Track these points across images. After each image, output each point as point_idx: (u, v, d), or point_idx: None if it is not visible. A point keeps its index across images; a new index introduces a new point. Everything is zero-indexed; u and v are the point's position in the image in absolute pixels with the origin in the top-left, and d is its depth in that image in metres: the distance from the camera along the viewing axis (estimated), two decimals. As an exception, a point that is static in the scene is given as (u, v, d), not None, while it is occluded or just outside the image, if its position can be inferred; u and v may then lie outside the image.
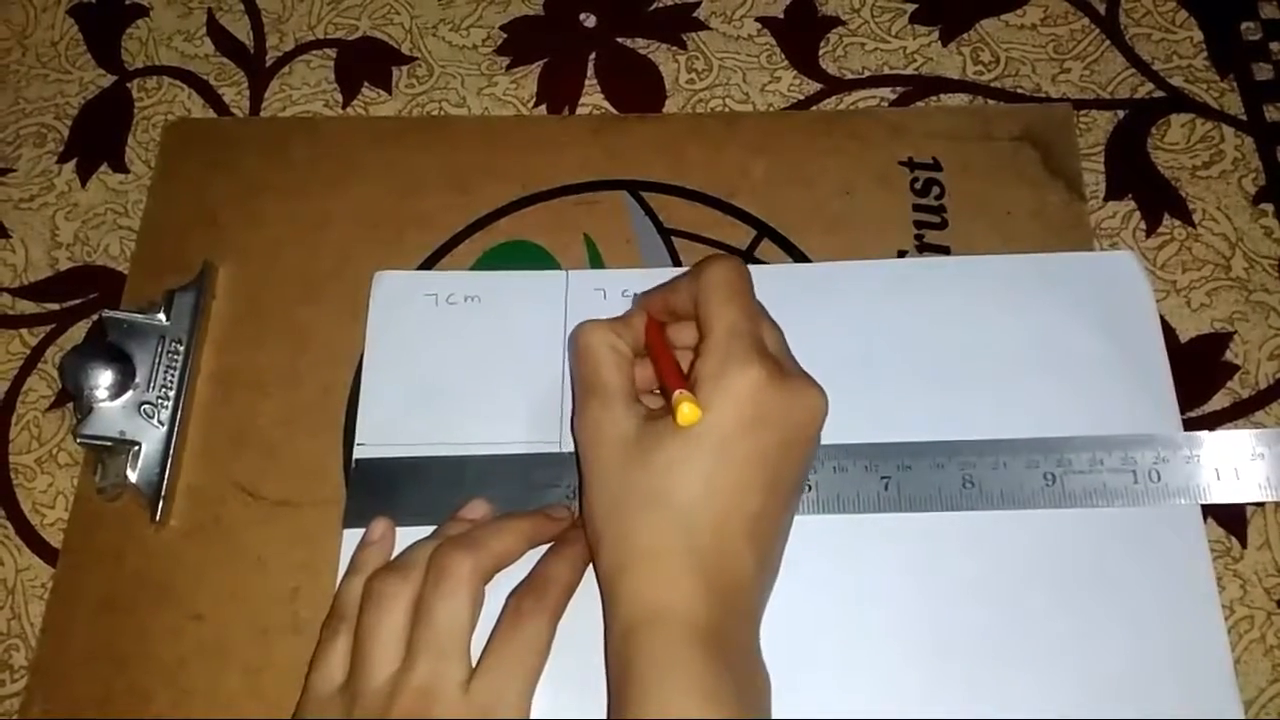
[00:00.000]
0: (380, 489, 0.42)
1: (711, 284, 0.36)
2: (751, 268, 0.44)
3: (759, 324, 0.36)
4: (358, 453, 0.43)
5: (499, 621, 0.36)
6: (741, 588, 0.34)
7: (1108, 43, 0.50)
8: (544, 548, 0.39)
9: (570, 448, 0.42)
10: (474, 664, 0.35)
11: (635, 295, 0.42)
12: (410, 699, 0.34)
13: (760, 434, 0.34)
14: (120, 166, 0.51)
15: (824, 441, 0.37)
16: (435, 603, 0.35)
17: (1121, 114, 0.48)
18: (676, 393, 0.34)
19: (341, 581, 0.39)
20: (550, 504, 0.41)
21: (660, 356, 0.38)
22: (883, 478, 0.40)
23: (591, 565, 0.37)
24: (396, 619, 0.36)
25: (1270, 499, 0.40)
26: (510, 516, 0.40)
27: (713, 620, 0.33)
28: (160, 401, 0.43)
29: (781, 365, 0.35)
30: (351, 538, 0.41)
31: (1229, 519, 0.41)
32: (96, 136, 0.52)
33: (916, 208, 0.46)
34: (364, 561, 0.39)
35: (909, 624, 0.39)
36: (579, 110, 0.51)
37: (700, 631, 0.32)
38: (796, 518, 0.37)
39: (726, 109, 0.50)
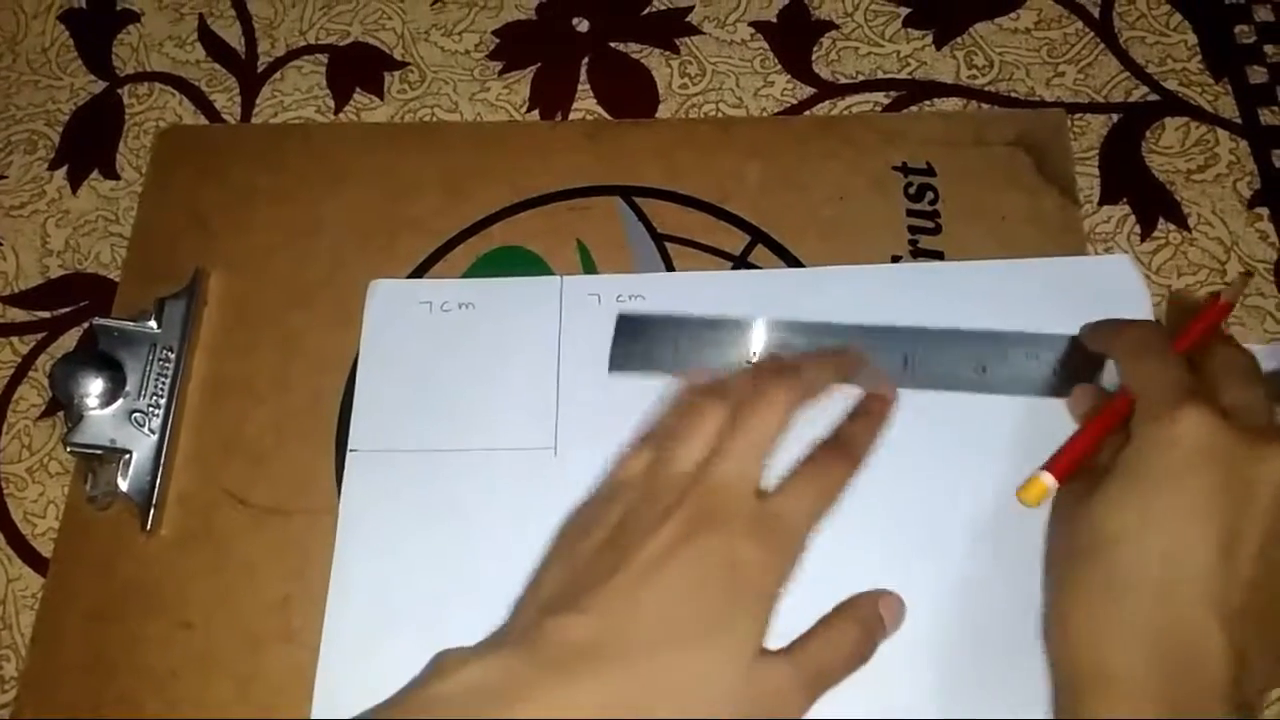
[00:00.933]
0: (640, 338, 0.43)
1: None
2: (744, 273, 0.45)
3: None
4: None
5: (807, 458, 0.37)
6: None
7: (1101, 46, 0.50)
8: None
9: (565, 457, 0.42)
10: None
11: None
12: (706, 491, 0.35)
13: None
14: (111, 173, 0.51)
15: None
16: (749, 415, 0.36)
17: (1116, 118, 0.48)
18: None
19: (659, 411, 0.40)
20: (852, 346, 0.42)
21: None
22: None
23: None
24: (707, 427, 0.36)
25: None
26: (821, 352, 0.41)
27: None
28: (151, 409, 0.43)
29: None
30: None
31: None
32: (87, 143, 0.52)
33: (910, 213, 0.46)
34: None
35: (908, 625, 0.38)
36: (572, 115, 0.50)
37: None
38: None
39: (720, 114, 0.50)
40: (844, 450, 0.38)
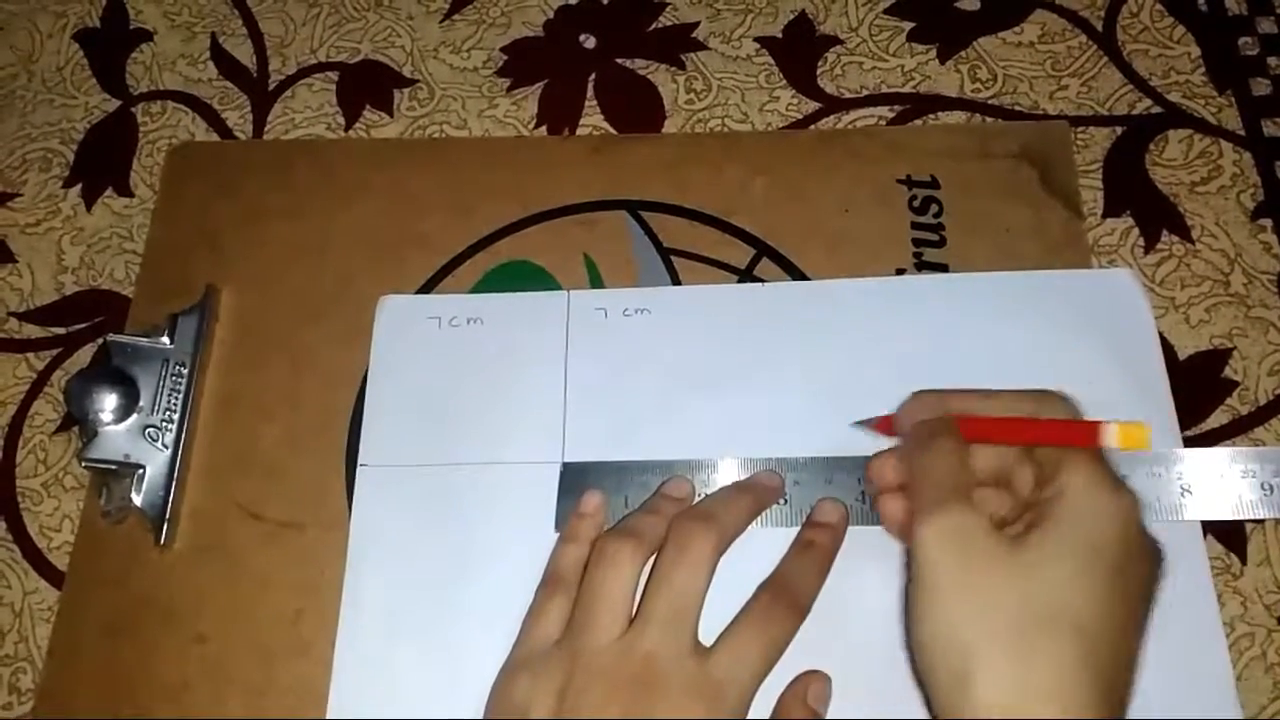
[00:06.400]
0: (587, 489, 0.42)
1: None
2: (752, 286, 0.45)
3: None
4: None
5: (748, 608, 0.36)
6: None
7: (1105, 59, 0.50)
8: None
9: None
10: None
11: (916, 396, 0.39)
12: (640, 662, 0.33)
13: (1136, 566, 0.33)
14: (125, 190, 0.52)
15: (816, 455, 0.39)
16: (675, 571, 0.35)
17: (1119, 130, 0.49)
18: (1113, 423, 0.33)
19: (556, 547, 0.39)
20: (761, 472, 0.40)
21: (1027, 426, 0.35)
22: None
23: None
24: (627, 581, 0.35)
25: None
26: (735, 489, 0.40)
27: None
28: (164, 425, 0.44)
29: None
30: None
31: (1229, 536, 0.41)
32: (102, 161, 0.53)
33: (915, 225, 0.46)
34: (580, 531, 0.39)
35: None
36: (579, 131, 0.51)
37: None
38: (783, 530, 0.38)
39: (725, 129, 0.50)
40: (788, 596, 0.36)
